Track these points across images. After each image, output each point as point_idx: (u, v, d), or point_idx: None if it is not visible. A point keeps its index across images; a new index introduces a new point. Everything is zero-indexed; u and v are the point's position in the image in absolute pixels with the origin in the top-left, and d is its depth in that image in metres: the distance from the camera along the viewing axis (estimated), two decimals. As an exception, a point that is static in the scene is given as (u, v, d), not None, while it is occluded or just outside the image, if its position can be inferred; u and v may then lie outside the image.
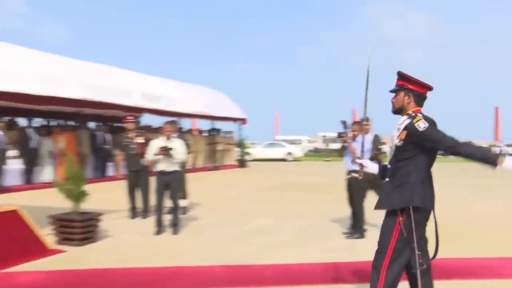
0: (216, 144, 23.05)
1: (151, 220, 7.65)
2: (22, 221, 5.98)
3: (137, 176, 8.64)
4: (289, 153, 32.96)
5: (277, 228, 7.66)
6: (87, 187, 6.54)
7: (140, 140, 8.61)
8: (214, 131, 23.49)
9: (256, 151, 32.23)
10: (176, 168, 7.35)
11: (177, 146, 7.32)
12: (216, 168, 22.26)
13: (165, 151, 7.13)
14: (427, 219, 3.29)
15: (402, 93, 3.30)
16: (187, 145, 8.40)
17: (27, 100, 12.80)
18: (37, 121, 17.48)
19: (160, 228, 7.27)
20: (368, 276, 3.44)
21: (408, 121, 3.24)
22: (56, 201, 6.96)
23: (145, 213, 8.66)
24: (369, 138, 6.68)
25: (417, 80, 3.28)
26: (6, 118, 15.92)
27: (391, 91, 3.38)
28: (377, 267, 3.27)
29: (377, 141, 6.96)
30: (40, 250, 5.88)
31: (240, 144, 25.17)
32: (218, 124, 23.99)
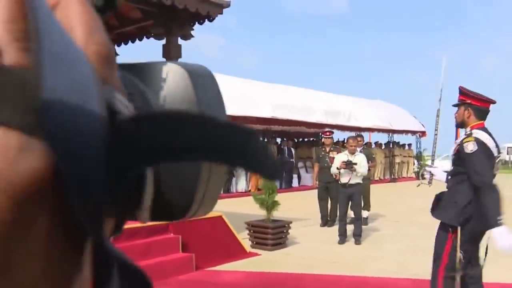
0: (394, 156, 22.22)
1: (336, 229, 7.64)
2: (225, 225, 6.48)
3: (328, 188, 8.76)
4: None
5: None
6: (277, 197, 6.81)
7: (334, 154, 8.69)
8: (392, 144, 22.68)
9: (435, 164, 30.10)
10: (359, 181, 7.23)
11: (360, 160, 7.21)
12: (394, 180, 21.42)
13: (348, 165, 7.07)
14: (479, 236, 3.17)
15: (462, 108, 3.19)
16: (372, 158, 8.31)
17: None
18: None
19: (343, 237, 7.21)
20: None
21: (463, 137, 3.16)
22: (250, 208, 7.38)
23: (332, 222, 8.72)
24: None
25: (475, 95, 3.13)
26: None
27: (453, 106, 3.29)
28: (433, 276, 3.33)
29: None
30: (239, 252, 6.28)
31: (419, 157, 23.83)
32: (397, 137, 23.14)
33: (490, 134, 3.13)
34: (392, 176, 21.87)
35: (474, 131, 3.11)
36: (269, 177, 0.23)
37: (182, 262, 5.40)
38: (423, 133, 23.66)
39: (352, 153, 7.24)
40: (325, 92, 20.54)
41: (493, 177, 3.17)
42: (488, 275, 5.17)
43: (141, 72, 0.51)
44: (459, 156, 3.16)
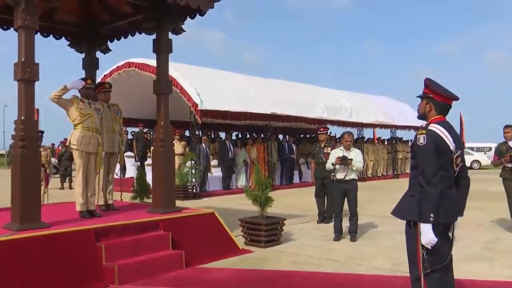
0: (396, 152, 22.15)
1: (332, 226, 7.56)
2: (217, 222, 6.41)
3: (324, 184, 8.69)
4: (476, 161, 29.83)
5: (462, 240, 6.86)
6: (275, 193, 6.71)
7: (328, 150, 8.61)
8: (394, 140, 22.56)
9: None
10: (354, 176, 7.14)
11: (355, 155, 7.12)
12: (396, 176, 21.38)
13: (343, 161, 6.98)
14: (444, 230, 3.07)
15: (424, 101, 3.15)
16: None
17: (227, 116, 13.94)
18: (234, 134, 18.86)
19: (339, 234, 7.13)
20: None
21: (419, 130, 3.11)
22: (248, 205, 7.30)
23: (329, 219, 8.63)
24: None
25: (438, 90, 3.06)
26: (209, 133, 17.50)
27: (417, 97, 3.24)
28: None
29: None
30: (231, 249, 6.20)
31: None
32: (400, 133, 23.04)
33: (450, 129, 3.08)
34: (395, 172, 21.79)
35: (432, 124, 3.07)
36: None
37: (171, 259, 5.32)
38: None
39: (348, 148, 7.16)
40: (326, 87, 20.42)
41: (453, 173, 3.10)
42: (480, 272, 5.11)
43: None
44: (414, 149, 3.16)
